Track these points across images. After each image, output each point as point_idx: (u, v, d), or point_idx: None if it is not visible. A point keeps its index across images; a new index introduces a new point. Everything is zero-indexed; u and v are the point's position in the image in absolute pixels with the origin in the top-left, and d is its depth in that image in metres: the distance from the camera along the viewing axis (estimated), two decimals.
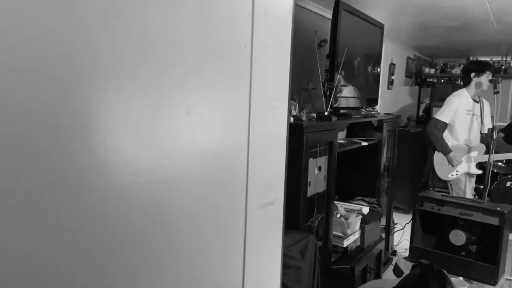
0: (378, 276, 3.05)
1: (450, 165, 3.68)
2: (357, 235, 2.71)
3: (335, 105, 2.58)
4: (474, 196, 3.95)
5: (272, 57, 0.95)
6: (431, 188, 4.63)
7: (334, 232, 2.51)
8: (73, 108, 0.64)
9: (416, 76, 6.33)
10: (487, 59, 5.64)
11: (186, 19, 0.76)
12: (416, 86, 6.24)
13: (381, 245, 3.10)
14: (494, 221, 2.70)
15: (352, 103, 2.92)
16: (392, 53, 5.08)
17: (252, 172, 0.91)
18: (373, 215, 2.94)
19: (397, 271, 2.83)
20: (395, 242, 3.84)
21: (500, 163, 4.52)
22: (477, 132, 3.72)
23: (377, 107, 3.53)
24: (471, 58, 5.96)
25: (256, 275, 1.00)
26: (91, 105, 0.66)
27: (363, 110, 3.20)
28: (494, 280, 2.69)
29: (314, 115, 2.40)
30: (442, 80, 6.44)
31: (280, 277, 1.09)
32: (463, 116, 3.68)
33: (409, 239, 3.16)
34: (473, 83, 3.67)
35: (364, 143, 2.90)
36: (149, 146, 0.74)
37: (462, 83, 3.95)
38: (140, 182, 0.74)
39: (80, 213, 0.66)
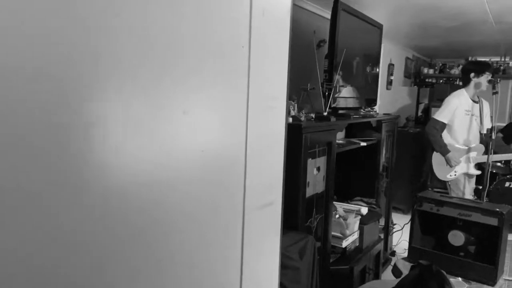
0: (377, 276, 3.05)
1: (448, 166, 3.68)
2: (356, 235, 2.70)
3: (334, 106, 2.58)
4: (474, 197, 3.95)
5: (270, 57, 0.95)
6: (430, 189, 4.64)
7: (333, 233, 2.51)
8: (73, 108, 0.63)
9: (415, 77, 6.34)
10: (486, 59, 5.65)
11: (185, 19, 0.76)
12: (415, 86, 6.24)
13: (380, 246, 3.10)
14: (493, 221, 2.70)
15: (351, 103, 2.92)
16: (391, 54, 5.08)
17: (250, 172, 0.91)
18: (372, 216, 2.94)
19: (396, 271, 2.82)
20: (394, 243, 3.84)
21: (499, 164, 4.52)
22: (476, 132, 3.72)
23: (376, 108, 3.53)
24: (470, 59, 5.97)
25: (254, 276, 0.99)
26: (90, 105, 0.65)
27: (362, 110, 3.20)
28: (493, 280, 2.68)
29: (312, 115, 2.39)
30: (441, 81, 6.45)
31: (278, 278, 1.08)
32: (462, 116, 3.68)
33: (408, 240, 3.15)
34: (472, 84, 3.66)
35: (363, 144, 2.89)
36: (147, 146, 0.74)
37: (461, 83, 3.95)
38: (139, 182, 0.73)
39: (79, 213, 0.66)
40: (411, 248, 3.03)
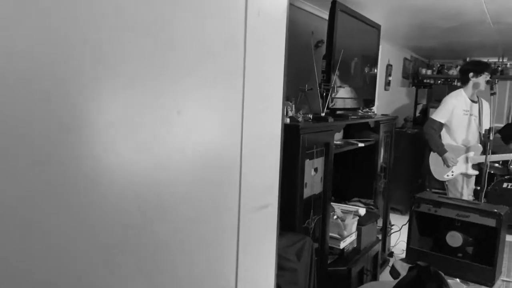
0: (374, 278, 3.05)
1: (445, 166, 3.68)
2: (353, 236, 2.70)
3: (331, 106, 2.58)
4: (473, 198, 3.94)
5: (266, 58, 0.94)
6: (428, 189, 4.64)
7: (330, 234, 2.50)
8: (66, 107, 0.63)
9: (413, 77, 6.35)
10: (484, 60, 5.66)
11: (178, 18, 0.75)
12: (413, 87, 6.25)
13: (378, 247, 3.09)
14: (491, 222, 2.70)
15: (349, 104, 2.92)
16: (389, 54, 5.08)
17: (245, 174, 0.90)
18: (370, 217, 2.93)
19: (394, 272, 2.82)
20: (392, 244, 3.84)
21: (496, 164, 4.52)
22: (475, 132, 3.72)
23: (374, 108, 3.52)
24: (467, 59, 5.98)
25: (250, 279, 0.98)
26: (85, 106, 0.65)
27: (360, 111, 3.19)
28: (491, 281, 2.68)
29: (310, 116, 2.39)
30: (439, 81, 6.46)
31: (275, 279, 1.07)
32: (460, 116, 3.68)
33: (406, 241, 3.15)
34: (470, 83, 3.66)
35: (361, 144, 2.89)
36: (138, 147, 0.73)
37: (459, 84, 3.95)
38: (132, 183, 0.73)
39: (75, 213, 0.65)
40: (409, 249, 3.03)
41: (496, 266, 2.67)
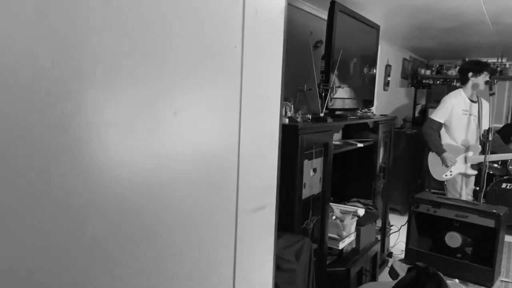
0: (373, 278, 3.04)
1: (444, 165, 3.68)
2: (352, 237, 2.69)
3: (330, 106, 2.57)
4: (472, 198, 3.93)
5: (263, 58, 0.94)
6: (427, 190, 4.64)
7: (329, 234, 2.49)
8: (64, 107, 0.62)
9: (412, 78, 6.34)
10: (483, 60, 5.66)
11: (176, 18, 0.74)
12: (412, 87, 6.25)
13: (377, 247, 3.09)
14: (490, 223, 2.70)
15: (348, 104, 2.91)
16: (388, 54, 5.08)
17: (243, 175, 0.89)
18: (369, 217, 2.93)
19: (393, 273, 2.82)
20: (391, 244, 3.83)
21: (495, 165, 4.52)
22: (474, 132, 3.72)
23: (373, 109, 3.52)
24: (466, 60, 5.98)
25: (248, 279, 0.98)
26: (82, 106, 0.64)
27: (358, 111, 3.19)
28: (490, 282, 2.68)
29: (309, 116, 2.38)
30: (438, 82, 6.46)
31: (273, 280, 1.07)
32: (460, 116, 3.68)
33: (405, 241, 3.15)
34: (470, 83, 3.66)
35: (360, 145, 2.89)
36: (135, 148, 0.72)
37: (458, 84, 3.95)
38: (128, 183, 0.72)
39: (71, 214, 0.65)
40: (408, 250, 3.03)
41: (495, 266, 2.67)
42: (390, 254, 3.72)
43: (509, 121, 5.96)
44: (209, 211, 0.85)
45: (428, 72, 6.52)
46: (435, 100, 5.17)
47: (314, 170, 2.31)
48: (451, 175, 3.70)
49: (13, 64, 0.57)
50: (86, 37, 0.64)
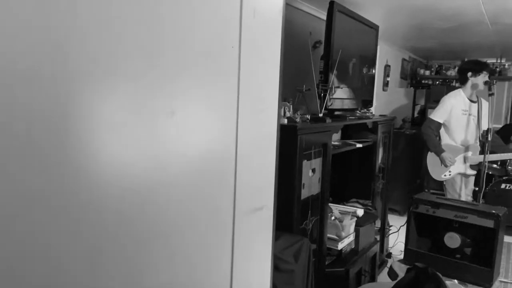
0: (372, 279, 3.04)
1: (443, 165, 3.68)
2: (351, 237, 2.69)
3: (329, 107, 2.57)
4: (471, 199, 3.93)
5: (261, 58, 0.93)
6: (426, 190, 4.63)
7: (328, 235, 2.49)
8: (58, 108, 0.62)
9: (411, 78, 6.34)
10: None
11: (172, 18, 0.74)
12: (411, 87, 6.25)
13: (376, 248, 3.08)
14: (489, 223, 2.69)
15: (347, 104, 2.91)
16: (387, 55, 5.08)
17: (240, 175, 0.89)
18: (368, 218, 2.92)
19: (392, 274, 2.81)
20: (390, 244, 3.83)
21: (495, 165, 4.52)
22: (474, 132, 3.71)
23: (372, 109, 3.52)
24: (465, 60, 5.98)
25: (245, 280, 0.97)
26: (80, 107, 0.64)
27: (358, 111, 3.19)
28: (489, 282, 2.68)
29: (308, 116, 2.38)
30: (437, 82, 6.46)
31: (271, 281, 1.06)
32: (459, 116, 3.67)
33: (404, 241, 3.14)
34: (469, 83, 3.65)
35: (359, 145, 2.88)
36: (133, 149, 0.72)
37: (457, 84, 3.95)
38: (124, 185, 0.72)
39: (70, 213, 0.65)
40: (407, 250, 3.02)
41: (494, 267, 2.67)
42: (389, 255, 3.71)
43: (508, 122, 5.95)
44: (206, 211, 0.85)
45: (427, 73, 6.52)
46: (434, 101, 5.17)
47: (313, 170, 2.31)
48: (450, 175, 3.70)
49: (10, 65, 0.56)
50: (83, 37, 0.63)
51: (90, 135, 0.66)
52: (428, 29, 4.01)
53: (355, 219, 2.74)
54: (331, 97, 2.55)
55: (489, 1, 2.89)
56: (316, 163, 2.33)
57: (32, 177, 0.60)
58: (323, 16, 2.71)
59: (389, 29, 3.96)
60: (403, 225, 3.39)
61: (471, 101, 3.69)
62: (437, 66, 6.60)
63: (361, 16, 2.97)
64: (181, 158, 0.78)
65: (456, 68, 5.75)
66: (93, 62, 0.65)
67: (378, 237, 3.29)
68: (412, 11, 3.30)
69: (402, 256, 3.22)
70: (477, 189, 3.58)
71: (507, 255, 3.79)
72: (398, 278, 2.30)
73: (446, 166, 3.66)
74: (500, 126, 5.31)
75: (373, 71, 3.39)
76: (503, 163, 4.49)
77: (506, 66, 6.08)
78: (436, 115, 3.70)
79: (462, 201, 3.43)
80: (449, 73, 6.42)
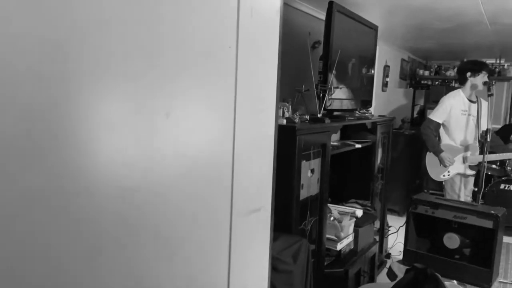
0: (371, 279, 3.03)
1: (442, 165, 3.68)
2: (350, 238, 2.68)
3: (328, 107, 2.56)
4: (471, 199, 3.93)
5: (259, 58, 0.93)
6: (425, 190, 4.63)
7: (327, 236, 2.49)
8: (51, 108, 0.61)
9: (410, 78, 6.34)
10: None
11: (169, 17, 0.73)
12: (411, 88, 6.24)
13: (375, 248, 3.08)
14: (488, 224, 2.69)
15: (346, 105, 2.90)
16: (387, 55, 5.08)
17: (237, 177, 0.88)
18: (367, 218, 2.92)
19: (391, 274, 2.81)
20: (389, 245, 3.82)
21: (494, 166, 4.51)
22: (473, 132, 3.71)
23: (371, 109, 3.51)
24: (465, 60, 5.98)
25: (243, 281, 0.97)
26: (79, 106, 0.63)
27: (357, 112, 3.18)
28: (488, 283, 2.67)
29: (307, 117, 2.37)
30: (437, 82, 6.46)
31: (268, 283, 1.06)
32: (458, 116, 3.67)
33: (403, 242, 3.14)
34: (468, 83, 3.65)
35: (358, 146, 2.88)
36: (131, 149, 0.71)
37: (456, 85, 3.95)
38: (120, 186, 0.71)
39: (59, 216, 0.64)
40: (406, 251, 3.02)
41: (493, 267, 2.67)
42: (388, 255, 3.71)
43: (507, 122, 5.95)
44: (202, 213, 0.84)
45: (426, 73, 6.52)
46: (433, 101, 5.16)
47: (312, 171, 2.30)
48: (448, 175, 3.70)
49: (9, 65, 0.56)
50: (82, 37, 0.63)
51: (89, 135, 0.66)
52: (427, 29, 4.00)
53: (354, 219, 2.74)
54: (330, 97, 2.54)
55: (488, 1, 2.89)
56: (315, 163, 2.33)
57: (31, 177, 0.60)
58: (322, 16, 2.71)
59: (388, 30, 3.96)
60: (402, 226, 3.38)
61: (471, 101, 3.69)
62: (436, 66, 6.61)
63: (360, 16, 2.96)
64: (178, 158, 0.78)
65: (455, 69, 5.74)
66: (93, 62, 0.65)
67: (377, 238, 3.29)
68: (411, 11, 3.30)
69: (401, 257, 3.21)
70: (476, 189, 3.58)
71: (506, 256, 3.79)
72: (397, 279, 2.29)
73: (445, 166, 3.66)
74: (499, 126, 5.30)
75: (372, 71, 3.39)
76: (502, 163, 4.48)
77: (505, 67, 6.08)
78: (435, 115, 3.70)
79: (461, 201, 3.43)
80: (448, 73, 6.42)
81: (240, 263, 0.93)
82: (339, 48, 2.57)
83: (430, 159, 3.75)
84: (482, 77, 3.61)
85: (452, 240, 2.85)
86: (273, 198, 1.02)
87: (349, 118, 2.78)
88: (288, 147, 2.05)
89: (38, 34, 0.59)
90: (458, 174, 3.71)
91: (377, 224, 3.36)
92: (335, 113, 2.76)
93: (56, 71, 0.61)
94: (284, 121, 2.14)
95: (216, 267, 0.89)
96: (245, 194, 0.92)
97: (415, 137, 4.93)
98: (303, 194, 2.21)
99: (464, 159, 3.68)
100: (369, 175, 3.23)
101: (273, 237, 1.50)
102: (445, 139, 3.74)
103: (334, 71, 2.55)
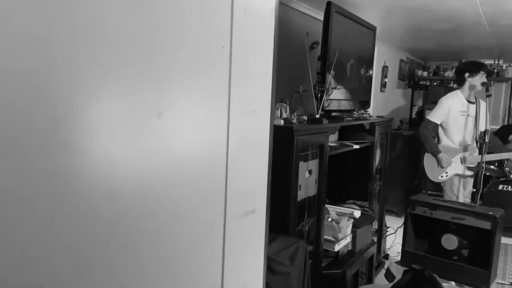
0: (370, 281, 3.03)
1: (439, 166, 3.67)
2: (348, 239, 2.67)
3: (326, 108, 2.55)
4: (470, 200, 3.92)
5: (253, 59, 0.92)
6: (424, 191, 4.63)
7: (325, 237, 2.48)
8: (40, 108, 0.60)
9: (409, 79, 6.34)
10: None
11: (160, 16, 0.72)
12: (409, 88, 6.25)
13: (373, 249, 3.07)
14: (486, 225, 2.68)
15: (344, 105, 2.90)
16: (385, 56, 5.07)
17: (231, 179, 0.87)
18: (365, 219, 2.91)
19: (389, 275, 2.80)
20: (388, 246, 3.82)
21: (492, 166, 4.51)
22: (472, 133, 3.71)
23: (370, 110, 3.51)
24: (463, 61, 5.98)
25: (237, 283, 0.96)
26: (71, 107, 0.63)
27: (355, 112, 3.18)
28: (486, 284, 2.67)
29: (305, 117, 2.37)
30: (435, 83, 6.46)
31: (263, 285, 1.05)
32: (457, 117, 3.67)
33: (401, 243, 3.13)
34: (467, 84, 3.65)
35: (356, 146, 2.87)
36: (122, 151, 0.70)
37: (455, 85, 3.95)
38: (112, 187, 0.70)
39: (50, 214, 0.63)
40: (404, 252, 3.01)
41: (491, 269, 2.66)
42: (386, 256, 3.71)
43: (505, 123, 5.96)
44: (195, 215, 0.83)
45: (425, 74, 6.53)
46: (432, 102, 5.16)
47: (310, 171, 2.30)
48: (446, 176, 3.70)
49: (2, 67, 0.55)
50: (71, 37, 0.62)
51: (79, 136, 0.65)
52: (426, 30, 4.00)
53: (352, 220, 2.73)
54: (328, 98, 2.54)
55: (486, 2, 2.88)
56: (313, 164, 2.32)
57: (17, 177, 0.59)
58: (320, 16, 2.70)
59: (386, 30, 3.96)
60: (400, 227, 3.38)
61: (469, 102, 3.69)
62: (434, 67, 6.61)
63: (359, 17, 2.96)
64: (169, 159, 0.77)
65: (454, 69, 5.75)
66: (84, 62, 0.64)
67: (375, 239, 3.29)
68: (409, 12, 3.29)
69: (399, 258, 3.20)
70: (474, 190, 3.57)
71: (504, 257, 3.78)
72: (395, 280, 2.29)
73: (442, 167, 3.66)
74: (498, 127, 5.30)
75: (371, 72, 3.38)
76: (501, 164, 4.48)
77: (504, 68, 6.08)
78: (434, 116, 3.70)
79: (459, 202, 3.42)
80: (446, 74, 6.43)
81: (234, 264, 0.93)
82: (337, 49, 2.57)
83: (428, 160, 3.75)
84: (480, 78, 3.61)
85: (450, 241, 2.84)
86: (269, 199, 1.01)
87: (347, 118, 2.77)
88: (285, 148, 2.04)
89: (27, 35, 0.58)
90: (457, 175, 3.71)
91: (375, 225, 3.35)
92: (333, 113, 2.76)
93: (45, 71, 0.60)
94: (282, 122, 2.13)
95: (210, 270, 0.89)
96: (239, 195, 0.91)
97: (414, 138, 4.92)
98: (301, 195, 2.20)
99: (462, 160, 3.68)
100: (367, 176, 3.22)
101: (270, 238, 1.49)
102: (444, 140, 3.74)
103: (332, 72, 2.54)
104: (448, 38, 4.43)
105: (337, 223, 2.58)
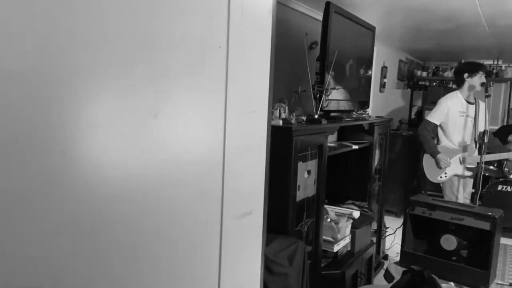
0: (369, 281, 3.02)
1: (438, 167, 3.67)
2: (347, 239, 2.67)
3: (325, 108, 2.55)
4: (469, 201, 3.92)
5: (250, 59, 0.91)
6: (423, 191, 4.62)
7: (324, 237, 2.47)
8: (35, 109, 0.60)
9: (408, 79, 6.34)
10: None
11: (156, 15, 0.72)
12: (408, 89, 6.24)
13: (372, 250, 3.07)
14: (485, 225, 2.68)
15: (343, 106, 2.89)
16: (384, 56, 5.07)
17: (228, 180, 0.87)
18: (364, 219, 2.91)
19: (388, 276, 2.79)
20: (387, 246, 3.82)
21: (491, 167, 4.51)
22: (471, 133, 3.71)
23: (369, 110, 3.51)
24: (462, 61, 5.98)
25: (234, 285, 0.95)
26: (67, 108, 0.62)
27: (354, 113, 3.17)
28: (485, 285, 2.66)
29: (304, 118, 2.36)
30: (434, 83, 6.47)
31: (261, 286, 1.04)
32: (456, 117, 3.67)
33: (400, 243, 3.13)
34: (466, 84, 3.65)
35: (355, 147, 2.87)
36: (118, 152, 0.70)
37: (454, 86, 3.95)
38: (107, 189, 0.70)
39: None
40: (403, 253, 3.00)
41: (490, 269, 2.65)
42: (385, 257, 3.70)
43: (505, 123, 5.96)
44: (192, 216, 0.83)
45: (424, 74, 6.53)
46: (431, 102, 5.16)
47: (309, 172, 2.29)
48: (445, 176, 3.70)
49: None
50: (69, 37, 0.62)
51: (75, 137, 0.65)
52: (425, 30, 4.00)
53: (351, 221, 2.73)
54: (327, 98, 2.53)
55: (486, 3, 2.88)
56: (312, 164, 2.32)
57: (14, 178, 0.58)
58: (319, 17, 2.70)
59: (386, 30, 3.95)
60: (399, 227, 3.37)
61: (468, 102, 3.69)
62: (434, 67, 6.61)
63: (358, 17, 2.95)
64: (165, 160, 0.76)
65: (453, 70, 5.75)
66: (81, 62, 0.64)
67: (374, 239, 3.28)
68: (409, 12, 3.29)
69: (398, 258, 3.20)
70: (473, 190, 3.57)
71: (503, 257, 3.79)
72: (394, 281, 2.28)
73: (440, 168, 3.66)
74: (497, 127, 5.30)
75: (370, 72, 3.38)
76: (500, 164, 4.48)
77: (503, 68, 6.09)
78: (433, 116, 3.70)
79: (458, 203, 3.42)
80: (446, 74, 6.43)
81: (231, 265, 0.92)
82: (336, 49, 2.56)
83: (427, 161, 3.75)
84: (479, 78, 3.61)
85: (449, 242, 2.84)
86: (266, 200, 1.01)
87: (346, 119, 2.77)
88: (284, 148, 2.04)
89: (23, 35, 0.57)
90: (456, 175, 3.70)
91: (374, 226, 3.35)
92: (332, 114, 2.75)
93: (45, 71, 0.60)
94: (281, 122, 2.12)
95: (207, 270, 0.88)
96: (235, 196, 0.90)
97: (413, 138, 4.92)
98: (300, 195, 2.20)
99: (461, 160, 3.68)
100: (366, 176, 3.22)
101: (269, 239, 1.49)
102: (443, 141, 3.74)
103: (331, 72, 2.53)
104: (447, 38, 4.43)
105: (336, 223, 2.57)
